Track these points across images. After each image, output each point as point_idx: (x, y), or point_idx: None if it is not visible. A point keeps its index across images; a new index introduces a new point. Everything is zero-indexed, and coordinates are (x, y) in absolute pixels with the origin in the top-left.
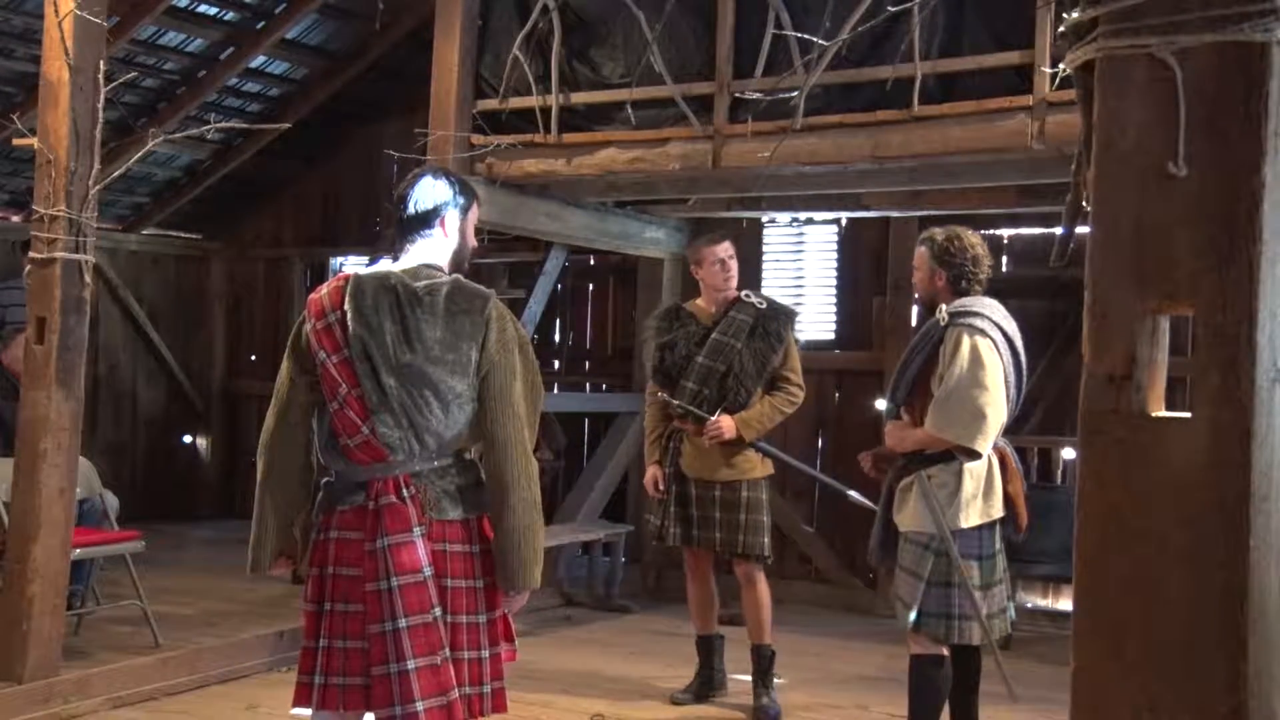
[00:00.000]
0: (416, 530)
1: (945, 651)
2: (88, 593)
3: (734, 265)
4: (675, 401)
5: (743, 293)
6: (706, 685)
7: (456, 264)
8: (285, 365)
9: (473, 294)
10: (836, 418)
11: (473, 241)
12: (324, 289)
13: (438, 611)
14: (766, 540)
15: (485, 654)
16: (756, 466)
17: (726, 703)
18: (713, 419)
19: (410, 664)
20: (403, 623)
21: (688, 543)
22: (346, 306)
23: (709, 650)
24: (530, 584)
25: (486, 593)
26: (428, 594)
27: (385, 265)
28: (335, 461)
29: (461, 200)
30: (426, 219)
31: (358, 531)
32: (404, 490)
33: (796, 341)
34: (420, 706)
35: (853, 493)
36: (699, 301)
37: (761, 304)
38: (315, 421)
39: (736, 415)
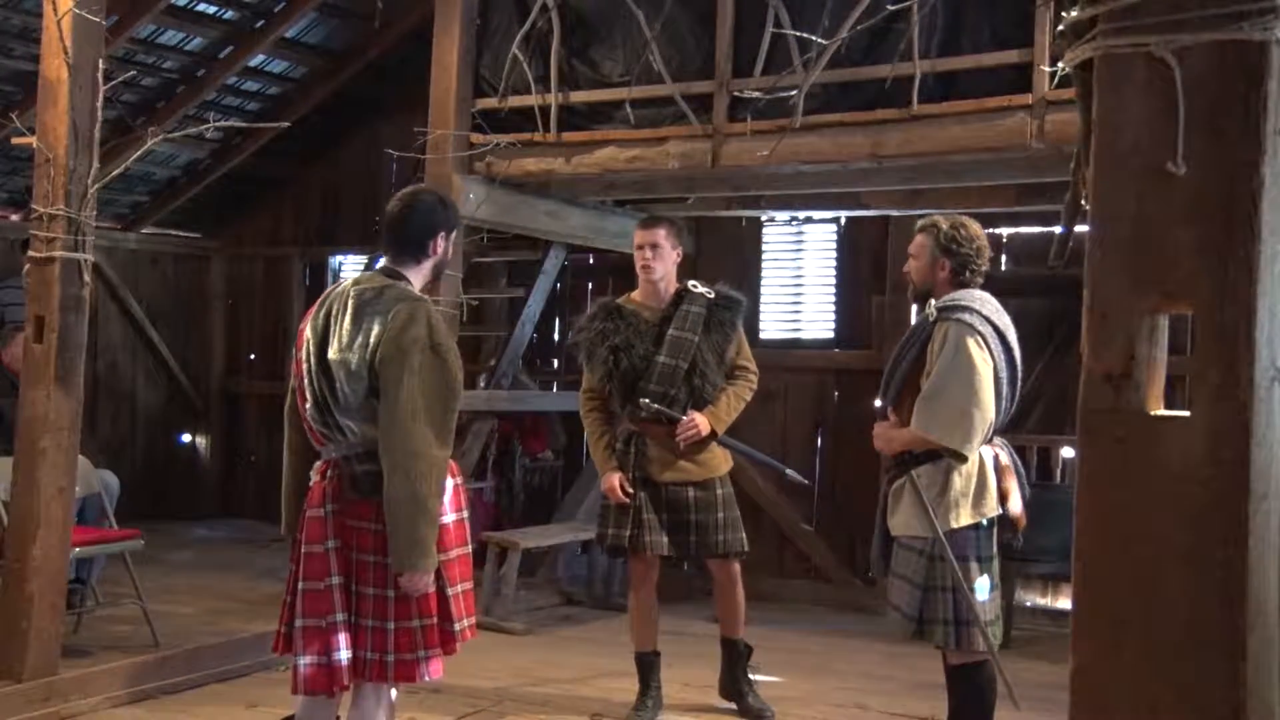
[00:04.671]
0: (327, 507)
1: (985, 656)
2: (88, 591)
3: (659, 255)
4: (645, 400)
5: (689, 283)
6: (657, 705)
7: (435, 274)
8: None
9: (395, 298)
10: (835, 417)
11: (452, 250)
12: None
13: (333, 580)
14: (744, 535)
15: (390, 625)
16: (724, 463)
17: (724, 705)
18: (686, 418)
19: (298, 623)
20: (301, 586)
21: (662, 550)
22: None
23: (652, 668)
24: (406, 567)
25: (392, 569)
26: (325, 564)
27: (361, 273)
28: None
29: (453, 222)
30: (419, 240)
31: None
32: (330, 471)
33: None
34: (303, 661)
35: (790, 471)
36: (635, 296)
37: (710, 293)
38: None
39: (705, 410)
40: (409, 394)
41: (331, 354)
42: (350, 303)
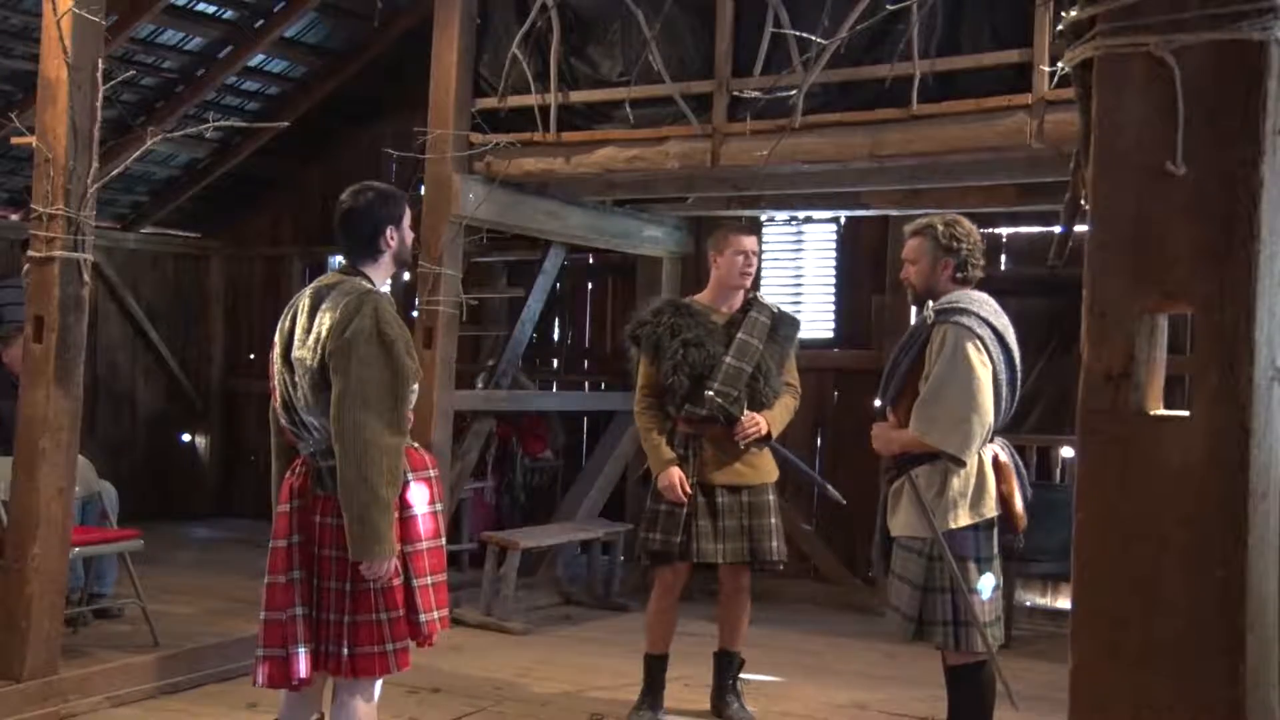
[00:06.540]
0: (293, 503)
1: (984, 657)
2: (86, 591)
3: (755, 263)
4: (711, 394)
5: (757, 294)
6: (659, 705)
7: (398, 266)
8: None
9: (344, 292)
10: (835, 416)
11: (409, 238)
12: None
13: (295, 575)
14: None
15: (346, 619)
16: (773, 470)
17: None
18: (746, 416)
19: (262, 615)
20: (266, 580)
21: (716, 558)
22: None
23: (662, 670)
24: (363, 556)
25: (353, 563)
26: (286, 559)
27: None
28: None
29: (400, 213)
30: (369, 237)
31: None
32: (299, 468)
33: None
34: (261, 653)
35: (831, 488)
36: (702, 298)
37: (775, 308)
38: None
39: (762, 413)
40: (357, 384)
41: (293, 353)
42: (307, 301)
